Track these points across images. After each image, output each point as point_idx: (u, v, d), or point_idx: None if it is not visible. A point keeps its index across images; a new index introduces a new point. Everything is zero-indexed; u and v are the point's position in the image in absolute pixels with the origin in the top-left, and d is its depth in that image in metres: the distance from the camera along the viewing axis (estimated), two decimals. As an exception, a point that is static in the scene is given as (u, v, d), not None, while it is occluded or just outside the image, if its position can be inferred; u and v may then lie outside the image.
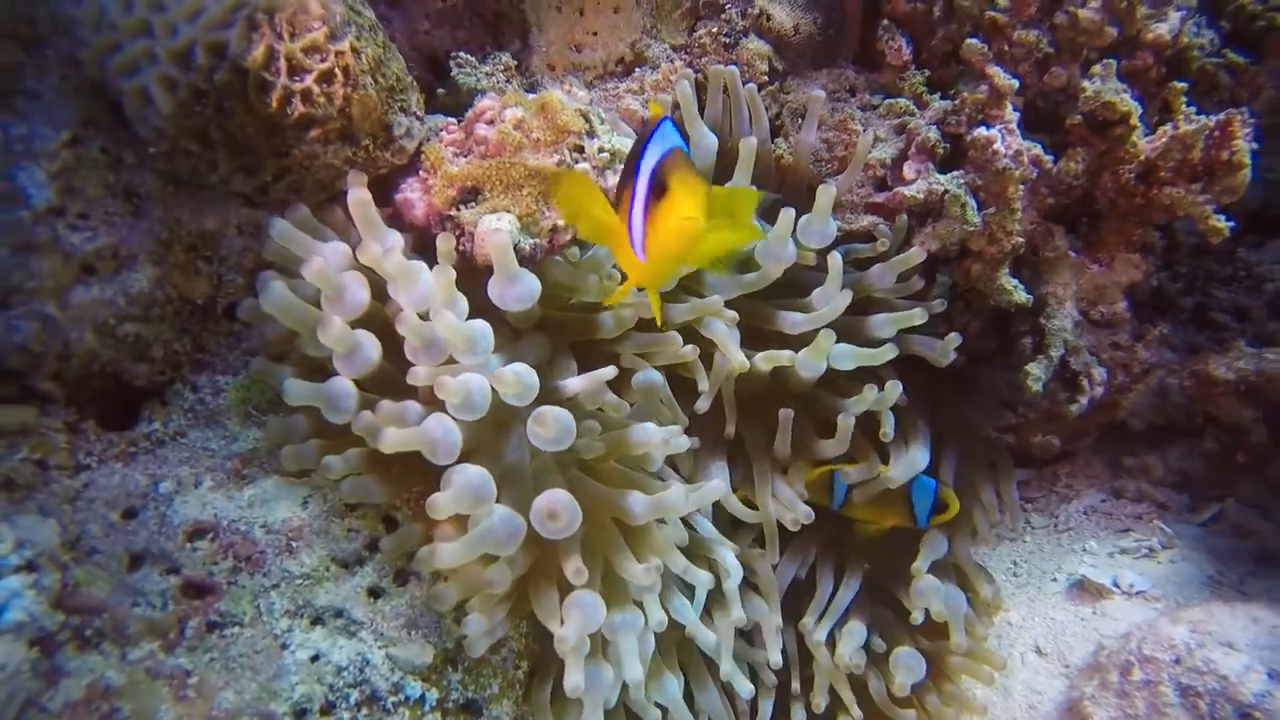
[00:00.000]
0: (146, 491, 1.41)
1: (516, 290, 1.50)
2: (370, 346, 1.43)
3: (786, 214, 1.75)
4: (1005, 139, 1.79)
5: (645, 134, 1.12)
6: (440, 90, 1.97)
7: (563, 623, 1.40)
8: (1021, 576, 2.16)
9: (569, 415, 1.44)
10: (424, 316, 1.45)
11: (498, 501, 1.42)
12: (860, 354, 1.80)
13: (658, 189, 1.00)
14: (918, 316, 1.86)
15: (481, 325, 1.47)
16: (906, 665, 1.85)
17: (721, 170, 1.92)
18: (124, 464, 1.44)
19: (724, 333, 1.74)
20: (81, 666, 1.15)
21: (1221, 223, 1.75)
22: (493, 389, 1.43)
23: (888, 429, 1.83)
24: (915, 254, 1.89)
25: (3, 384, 1.37)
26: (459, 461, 1.42)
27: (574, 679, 1.40)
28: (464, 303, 1.50)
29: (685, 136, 1.37)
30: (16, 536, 1.03)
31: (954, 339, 1.89)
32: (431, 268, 1.54)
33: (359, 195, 1.50)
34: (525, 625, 1.57)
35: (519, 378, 1.42)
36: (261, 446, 1.51)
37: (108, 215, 1.45)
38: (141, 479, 1.43)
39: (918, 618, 1.84)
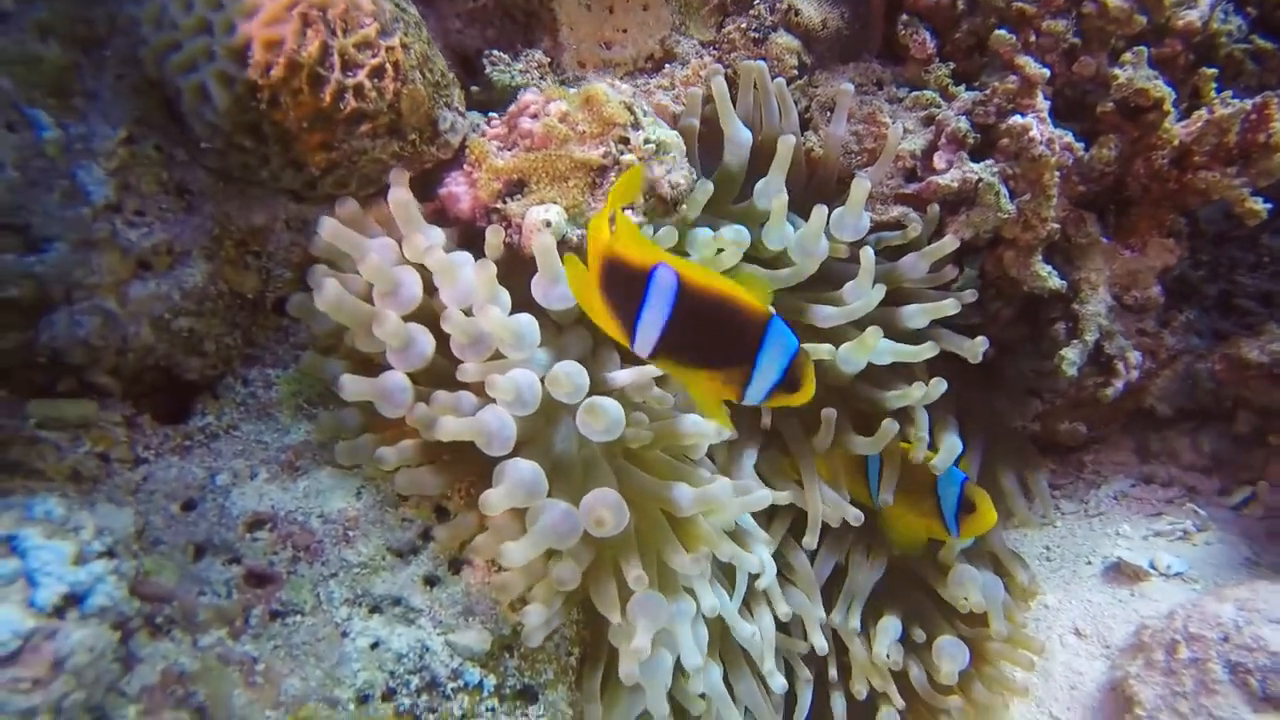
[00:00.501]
0: (204, 484, 1.43)
1: (560, 290, 1.52)
2: (425, 341, 1.45)
3: (819, 210, 1.76)
4: (1039, 127, 1.81)
5: (754, 324, 1.24)
6: (474, 88, 1.98)
7: (623, 612, 1.41)
8: (1055, 561, 2.18)
9: (619, 406, 1.45)
10: (467, 312, 1.47)
11: (551, 494, 1.44)
12: (900, 350, 1.81)
13: (791, 383, 1.25)
14: (950, 307, 1.87)
15: (528, 320, 1.48)
16: (950, 654, 1.85)
17: (752, 164, 1.93)
18: (180, 457, 1.46)
19: None
20: (154, 653, 1.16)
21: (1259, 205, 1.77)
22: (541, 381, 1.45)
23: (922, 432, 1.84)
24: (949, 242, 1.90)
25: (63, 378, 1.39)
26: (511, 452, 1.44)
27: (628, 668, 1.41)
28: (506, 296, 1.51)
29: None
30: (96, 524, 1.05)
31: (981, 341, 1.87)
32: (477, 260, 1.56)
33: (399, 195, 1.51)
34: (577, 612, 1.58)
35: (571, 378, 1.43)
36: (314, 439, 1.53)
37: (161, 211, 1.46)
38: (198, 471, 1.44)
39: (965, 608, 1.85)
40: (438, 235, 1.58)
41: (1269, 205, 1.80)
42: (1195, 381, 2.27)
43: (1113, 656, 1.89)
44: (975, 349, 1.87)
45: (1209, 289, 2.47)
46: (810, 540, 1.82)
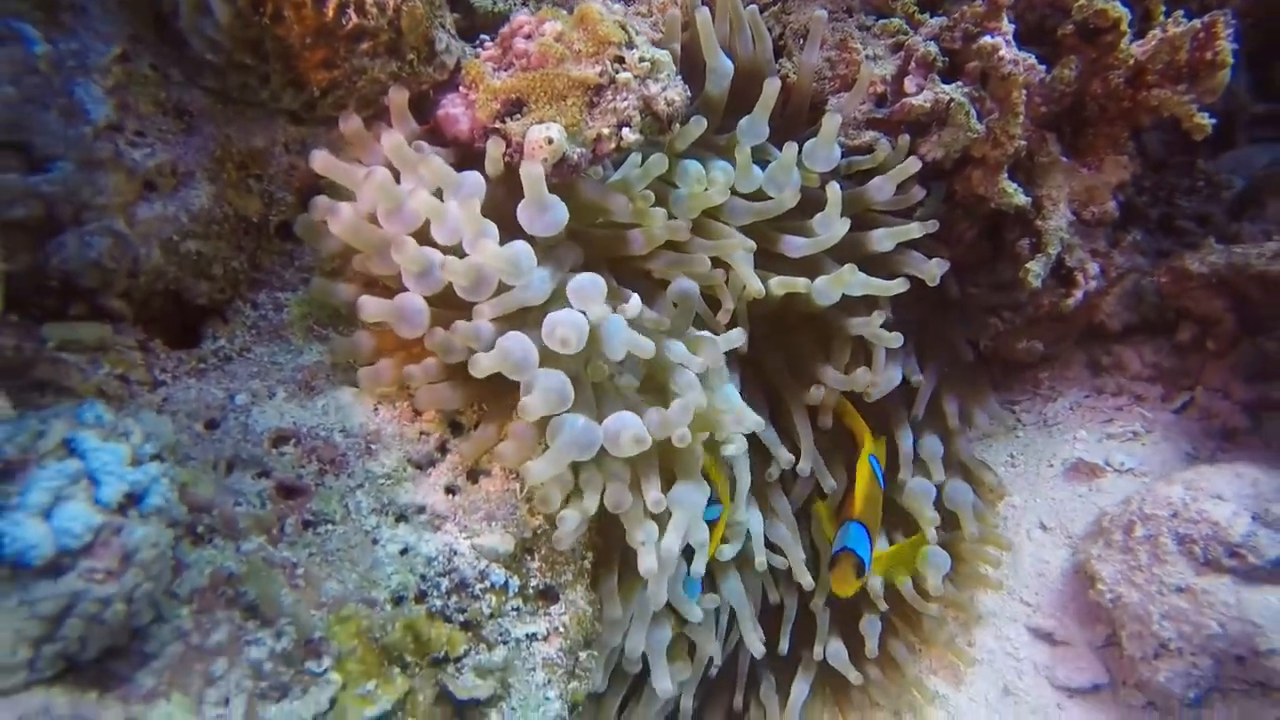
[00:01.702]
0: (224, 404, 1.44)
1: (546, 219, 1.55)
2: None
3: (789, 147, 1.84)
4: (1007, 47, 1.89)
5: None
6: (454, 14, 1.97)
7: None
8: (1019, 466, 2.34)
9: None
10: (458, 250, 1.49)
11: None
12: (872, 284, 1.90)
13: None
14: (915, 231, 1.97)
15: (521, 246, 1.51)
16: (935, 565, 1.99)
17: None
18: (197, 379, 1.46)
19: (743, 261, 1.84)
20: (200, 559, 1.19)
21: (1205, 120, 1.90)
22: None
23: (877, 376, 1.98)
24: (911, 164, 1.98)
25: (75, 302, 1.38)
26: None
27: (648, 562, 1.50)
28: (493, 227, 1.53)
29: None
30: (143, 429, 1.07)
31: (939, 263, 1.99)
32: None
33: (392, 138, 1.49)
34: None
35: (579, 331, 1.48)
36: (327, 360, 1.55)
37: (161, 132, 1.45)
38: (217, 392, 1.45)
39: (931, 521, 1.98)
40: (437, 164, 1.56)
41: (1214, 120, 1.93)
42: (1141, 296, 2.43)
43: (1075, 544, 2.05)
44: (933, 271, 1.99)
45: (1151, 212, 2.63)
46: (805, 465, 1.94)
